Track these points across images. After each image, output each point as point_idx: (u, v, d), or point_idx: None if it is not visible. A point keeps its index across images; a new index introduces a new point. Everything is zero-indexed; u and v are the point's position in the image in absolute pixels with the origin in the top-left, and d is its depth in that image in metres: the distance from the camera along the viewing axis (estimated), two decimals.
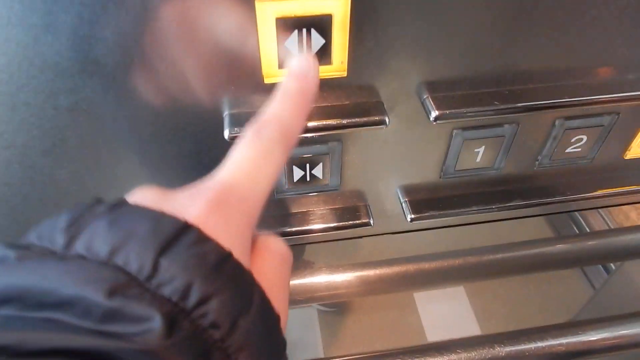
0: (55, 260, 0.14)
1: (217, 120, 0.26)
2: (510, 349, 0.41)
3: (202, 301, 0.14)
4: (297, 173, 0.29)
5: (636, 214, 0.56)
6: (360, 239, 0.39)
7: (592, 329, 0.42)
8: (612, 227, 0.56)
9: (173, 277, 0.14)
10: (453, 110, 0.26)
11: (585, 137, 0.30)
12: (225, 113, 0.26)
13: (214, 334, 0.14)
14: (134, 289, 0.14)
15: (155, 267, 0.14)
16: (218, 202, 0.17)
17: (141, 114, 0.25)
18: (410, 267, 0.50)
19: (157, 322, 0.13)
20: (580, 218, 0.60)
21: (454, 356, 0.42)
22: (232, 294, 0.15)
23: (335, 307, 1.16)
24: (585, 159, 0.32)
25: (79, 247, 0.15)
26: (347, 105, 0.26)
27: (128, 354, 0.13)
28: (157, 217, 0.15)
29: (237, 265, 0.16)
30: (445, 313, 1.16)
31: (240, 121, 0.25)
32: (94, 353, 0.13)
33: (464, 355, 0.41)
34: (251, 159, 0.19)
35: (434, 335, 1.15)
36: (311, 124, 0.25)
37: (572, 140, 0.30)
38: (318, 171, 0.29)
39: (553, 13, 0.24)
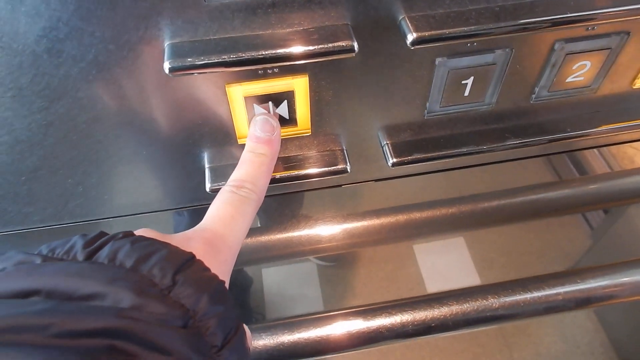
0: (82, 262, 0.17)
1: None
2: (505, 299, 0.39)
3: (207, 316, 0.18)
4: (260, 113, 0.25)
5: None
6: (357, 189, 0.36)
7: (591, 277, 0.40)
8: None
9: (187, 290, 0.17)
10: (434, 32, 0.22)
11: (589, 63, 0.27)
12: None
13: (212, 341, 0.17)
14: (158, 293, 0.17)
15: (174, 281, 0.17)
16: (211, 244, 0.21)
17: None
18: (401, 217, 0.48)
19: (176, 320, 0.16)
20: (584, 165, 0.57)
21: (445, 309, 0.39)
22: (225, 316, 0.18)
23: (334, 261, 1.15)
24: (589, 89, 0.28)
25: (102, 258, 0.18)
26: (310, 31, 0.22)
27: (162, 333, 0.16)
28: (171, 248, 0.19)
29: (227, 295, 0.19)
30: (445, 264, 1.15)
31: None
32: (131, 333, 0.15)
33: (455, 307, 0.39)
34: (230, 215, 0.23)
35: (433, 286, 1.14)
36: (268, 52, 0.22)
37: (574, 67, 0.27)
38: (283, 110, 0.26)
39: None
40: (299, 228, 0.45)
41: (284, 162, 0.28)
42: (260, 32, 0.22)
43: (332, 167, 0.28)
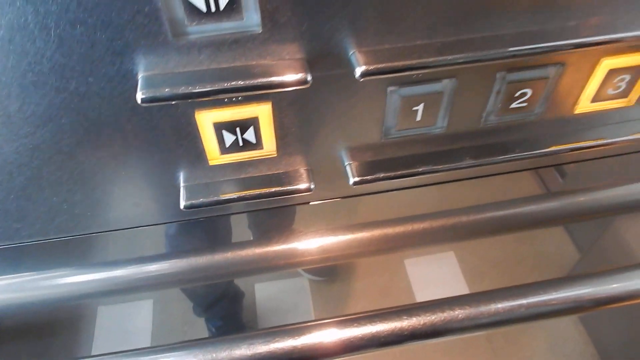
0: None
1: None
2: (470, 311, 0.41)
3: None
4: (229, 138, 0.28)
5: None
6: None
7: (553, 290, 0.42)
8: None
9: None
10: (380, 65, 0.25)
11: (530, 91, 0.29)
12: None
13: None
14: None
15: None
16: None
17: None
18: (376, 232, 0.50)
19: None
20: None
21: (414, 319, 0.42)
22: None
23: (326, 275, 1.17)
24: (533, 114, 0.31)
25: None
26: (268, 64, 0.25)
27: None
28: None
29: None
30: (435, 277, 1.17)
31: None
32: None
33: (423, 318, 0.41)
34: None
35: (423, 299, 1.16)
36: (231, 83, 0.24)
37: (517, 95, 0.29)
38: (250, 135, 0.28)
39: None
40: (282, 242, 0.47)
41: (252, 181, 0.31)
42: (225, 66, 0.25)
43: (297, 186, 0.30)
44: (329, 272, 1.24)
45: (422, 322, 0.41)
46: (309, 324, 0.43)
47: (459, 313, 0.41)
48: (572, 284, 0.43)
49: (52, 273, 0.40)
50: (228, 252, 0.47)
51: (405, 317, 0.41)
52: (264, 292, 1.18)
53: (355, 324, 0.41)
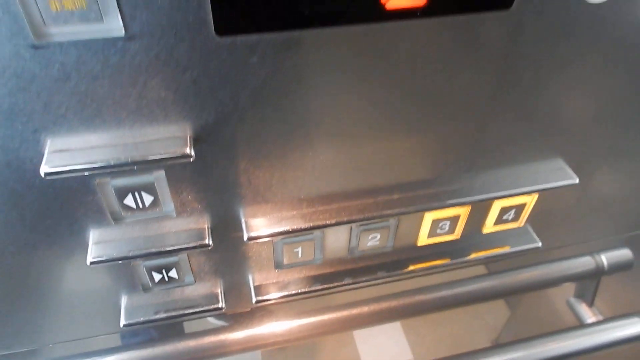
0: None
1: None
2: None
3: None
4: (157, 276, 0.38)
5: None
6: None
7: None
8: None
9: None
10: (260, 233, 0.36)
11: (378, 235, 0.41)
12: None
13: None
14: None
15: None
16: None
17: None
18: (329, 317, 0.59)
19: None
20: None
21: None
22: None
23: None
24: (387, 247, 0.42)
25: None
26: (178, 234, 0.35)
27: None
28: None
29: None
30: (380, 342, 1.26)
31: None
32: None
33: None
34: None
35: (369, 356, 1.26)
36: (153, 249, 0.35)
37: (369, 237, 0.41)
38: (173, 274, 0.38)
39: (319, 153, 0.34)
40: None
41: (177, 303, 0.41)
42: (151, 234, 0.35)
43: (211, 307, 0.41)
44: None
45: None
46: None
47: None
48: (502, 350, 0.52)
49: None
50: (180, 342, 0.54)
51: None
52: None
53: None
